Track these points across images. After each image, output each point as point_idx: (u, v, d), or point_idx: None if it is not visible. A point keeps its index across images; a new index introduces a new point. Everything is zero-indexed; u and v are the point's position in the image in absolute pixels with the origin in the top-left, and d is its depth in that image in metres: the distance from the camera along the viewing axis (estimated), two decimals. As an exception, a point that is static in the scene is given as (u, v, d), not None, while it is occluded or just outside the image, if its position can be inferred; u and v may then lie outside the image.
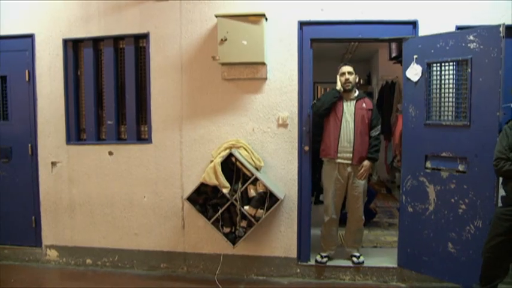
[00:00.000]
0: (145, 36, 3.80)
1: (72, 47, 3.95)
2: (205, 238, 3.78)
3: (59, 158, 4.00)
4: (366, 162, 3.49)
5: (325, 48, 7.22)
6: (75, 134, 4.03)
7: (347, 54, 7.85)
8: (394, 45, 4.81)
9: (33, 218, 4.10)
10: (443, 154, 3.15)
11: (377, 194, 5.49)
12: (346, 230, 3.75)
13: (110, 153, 3.91)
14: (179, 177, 3.78)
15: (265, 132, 3.62)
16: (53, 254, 4.08)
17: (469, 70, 2.95)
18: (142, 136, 3.96)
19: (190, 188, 3.60)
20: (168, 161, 3.79)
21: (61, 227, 4.05)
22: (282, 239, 3.68)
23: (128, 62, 3.88)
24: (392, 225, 4.91)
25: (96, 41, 3.93)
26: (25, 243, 4.15)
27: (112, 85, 3.91)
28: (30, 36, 3.94)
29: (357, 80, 3.55)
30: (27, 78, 3.98)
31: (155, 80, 3.77)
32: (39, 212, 4.09)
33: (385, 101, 6.97)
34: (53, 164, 4.01)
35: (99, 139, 4.02)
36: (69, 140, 3.99)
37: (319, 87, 8.96)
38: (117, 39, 3.90)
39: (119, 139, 3.98)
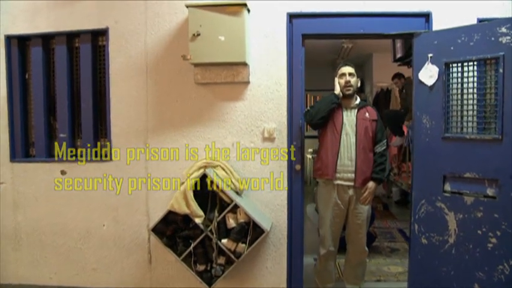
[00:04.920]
0: (104, 33, 3.19)
1: (18, 45, 3.32)
2: (176, 275, 3.16)
3: (1, 178, 3.35)
4: (371, 184, 2.89)
5: (314, 53, 6.75)
6: (22, 149, 3.38)
7: (338, 59, 7.36)
8: (399, 44, 4.26)
9: (-30, 250, 3.42)
10: (467, 175, 2.56)
11: (375, 215, 4.89)
12: (346, 263, 3.14)
13: (63, 172, 3.27)
14: (144, 202, 3.16)
15: (248, 147, 3.03)
16: (-6, 293, 3.42)
17: (501, 70, 2.37)
18: (101, 152, 3.32)
19: (157, 215, 2.99)
20: (131, 182, 3.17)
21: (4, 260, 3.40)
22: (268, 276, 3.07)
23: (84, 63, 3.26)
24: (395, 251, 4.33)
25: (46, 38, 3.31)
26: (-40, 280, 3.46)
27: (65, 91, 3.29)
28: (-35, 32, 3.30)
29: (359, 84, 2.96)
30: (-38, 83, 3.33)
31: (116, 84, 3.15)
32: (-23, 243, 3.42)
33: (380, 109, 6.51)
34: (-5, 185, 3.37)
35: (50, 155, 3.37)
36: (14, 157, 3.36)
37: (308, 95, 8.42)
38: (71, 36, 3.29)
39: (74, 155, 3.34)
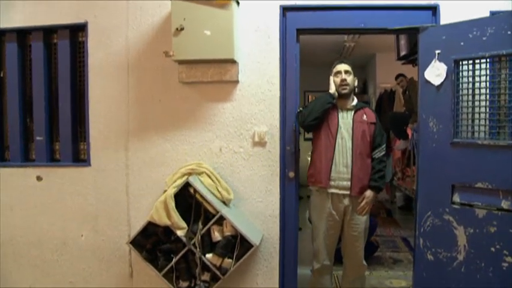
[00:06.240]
0: (83, 28, 2.96)
1: (-9, 41, 3.10)
2: (159, 290, 2.91)
3: (-27, 184, 3.12)
4: (369, 193, 2.64)
5: (315, 52, 6.55)
6: (-4, 153, 3.16)
7: (340, 59, 7.14)
8: (403, 41, 4.00)
9: None
10: (479, 185, 2.31)
11: (377, 224, 4.64)
12: (343, 278, 2.89)
13: (39, 178, 3.04)
14: (125, 211, 2.93)
15: (237, 152, 2.80)
16: (-35, 308, 3.19)
17: (518, 68, 2.13)
18: (81, 156, 3.10)
19: (139, 224, 2.75)
20: (111, 189, 2.95)
21: (-24, 272, 3.16)
22: (259, 293, 2.82)
23: (62, 60, 3.03)
24: (398, 263, 4.07)
25: (22, 34, 3.08)
26: None
27: (42, 91, 3.06)
28: None
29: (356, 83, 2.71)
30: None
31: (95, 83, 2.93)
32: None
33: (384, 111, 6.27)
34: (-34, 192, 3.14)
35: (27, 159, 3.14)
36: (-13, 162, 3.13)
37: (310, 96, 8.19)
38: (48, 32, 3.06)
39: (52, 160, 3.11)
